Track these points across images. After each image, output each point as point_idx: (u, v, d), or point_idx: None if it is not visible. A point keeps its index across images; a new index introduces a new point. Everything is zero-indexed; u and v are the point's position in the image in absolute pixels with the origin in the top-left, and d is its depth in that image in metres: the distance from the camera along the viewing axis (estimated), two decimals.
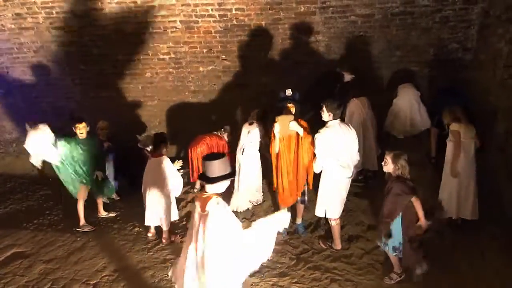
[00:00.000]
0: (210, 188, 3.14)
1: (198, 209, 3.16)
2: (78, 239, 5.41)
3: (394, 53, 6.41)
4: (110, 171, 6.19)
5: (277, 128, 4.67)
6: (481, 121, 5.50)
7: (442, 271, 4.31)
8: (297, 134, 4.67)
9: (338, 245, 4.87)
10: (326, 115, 4.46)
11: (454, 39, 6.14)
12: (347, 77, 5.83)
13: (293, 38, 6.49)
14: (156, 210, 5.15)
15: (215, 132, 6.08)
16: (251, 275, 4.51)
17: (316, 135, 4.46)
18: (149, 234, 5.39)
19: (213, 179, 3.09)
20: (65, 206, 6.36)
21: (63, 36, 6.84)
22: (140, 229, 5.56)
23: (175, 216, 5.25)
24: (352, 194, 5.50)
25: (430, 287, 4.19)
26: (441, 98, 5.60)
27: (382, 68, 6.51)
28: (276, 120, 4.69)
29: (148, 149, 5.79)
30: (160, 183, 5.04)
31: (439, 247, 4.67)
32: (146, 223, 5.30)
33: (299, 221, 5.24)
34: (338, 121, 4.49)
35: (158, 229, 5.35)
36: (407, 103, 5.98)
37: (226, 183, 3.19)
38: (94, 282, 4.59)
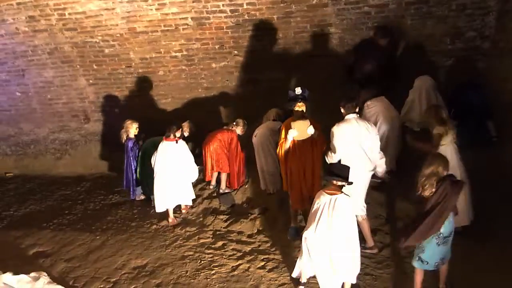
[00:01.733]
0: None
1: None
2: (97, 237, 5.48)
3: (410, 43, 6.27)
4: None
5: (293, 133, 4.59)
6: (499, 111, 5.42)
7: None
8: (311, 137, 4.62)
9: (370, 242, 4.69)
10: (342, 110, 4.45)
11: (471, 27, 5.96)
12: (382, 41, 5.79)
13: (306, 31, 6.41)
14: (174, 192, 5.48)
15: (225, 127, 6.12)
16: (270, 271, 4.54)
17: (333, 128, 4.42)
18: (170, 220, 5.59)
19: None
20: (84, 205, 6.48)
21: (76, 37, 6.90)
22: (158, 226, 5.59)
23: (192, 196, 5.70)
24: (370, 188, 5.43)
25: None
26: (459, 92, 5.47)
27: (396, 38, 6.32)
28: (293, 126, 4.60)
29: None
30: (178, 166, 5.42)
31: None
32: (163, 209, 5.56)
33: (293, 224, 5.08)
34: (355, 115, 4.43)
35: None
36: (424, 94, 5.84)
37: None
38: (114, 279, 4.65)
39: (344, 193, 3.78)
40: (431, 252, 3.75)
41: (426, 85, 5.88)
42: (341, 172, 3.78)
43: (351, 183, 3.81)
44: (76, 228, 5.84)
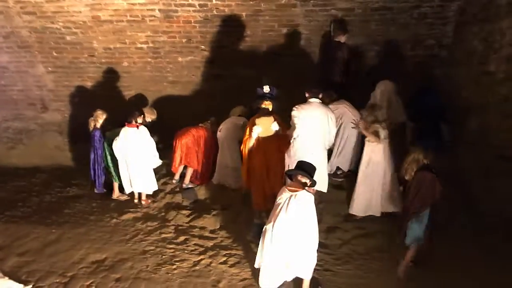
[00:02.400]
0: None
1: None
2: (53, 231, 5.28)
3: (373, 48, 6.49)
4: None
5: (258, 129, 4.67)
6: (453, 117, 5.74)
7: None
8: (276, 136, 4.74)
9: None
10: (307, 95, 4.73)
11: (430, 36, 6.27)
12: (342, 38, 5.98)
13: (274, 30, 6.47)
14: (137, 177, 5.62)
15: (201, 124, 6.10)
16: (231, 266, 4.56)
17: (294, 108, 4.61)
18: (143, 202, 5.79)
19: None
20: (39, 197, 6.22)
21: (35, 21, 6.57)
22: (118, 220, 5.48)
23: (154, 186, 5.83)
24: (330, 186, 5.60)
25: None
26: (417, 95, 5.74)
27: (360, 63, 6.59)
28: (257, 122, 4.67)
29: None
30: (139, 151, 5.57)
31: None
32: (129, 190, 5.77)
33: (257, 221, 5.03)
34: (318, 100, 4.68)
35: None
36: (385, 96, 6.07)
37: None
38: (71, 274, 4.49)
39: (306, 190, 3.86)
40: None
41: (387, 88, 6.11)
42: (308, 169, 3.88)
43: (315, 182, 3.92)
44: (30, 221, 5.61)
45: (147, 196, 5.85)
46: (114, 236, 5.15)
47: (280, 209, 3.81)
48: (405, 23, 6.19)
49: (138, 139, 5.59)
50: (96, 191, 6.19)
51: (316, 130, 4.62)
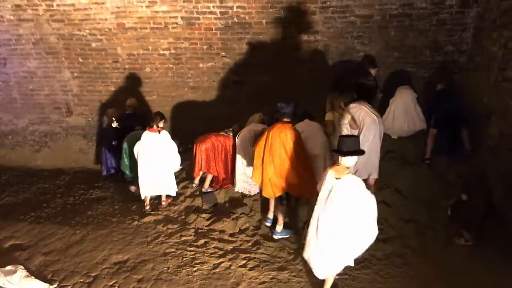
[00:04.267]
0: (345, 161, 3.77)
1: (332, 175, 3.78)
2: (77, 232, 5.42)
3: (392, 54, 6.52)
4: None
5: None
6: (474, 123, 5.70)
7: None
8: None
9: None
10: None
11: (450, 42, 6.27)
12: (373, 71, 5.94)
13: (293, 37, 6.57)
14: (156, 180, 5.68)
15: (222, 133, 6.07)
16: (251, 269, 4.63)
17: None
18: (147, 207, 5.82)
19: (346, 153, 3.75)
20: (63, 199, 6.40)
21: (63, 28, 6.83)
22: (139, 223, 5.59)
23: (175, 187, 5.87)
24: None
25: None
26: (438, 99, 5.72)
27: (379, 69, 6.60)
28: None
29: None
30: (160, 155, 5.61)
31: None
32: (144, 194, 5.77)
33: (270, 215, 5.27)
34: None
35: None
36: (404, 104, 6.06)
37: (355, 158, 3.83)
38: (94, 274, 4.62)
39: (351, 174, 3.77)
40: None
41: (406, 94, 6.14)
42: (351, 147, 3.79)
43: (362, 152, 3.88)
44: (55, 221, 5.77)
45: (167, 197, 5.93)
46: (136, 238, 5.26)
47: (327, 196, 3.79)
48: (424, 29, 6.22)
49: (159, 144, 5.63)
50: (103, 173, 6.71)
51: None
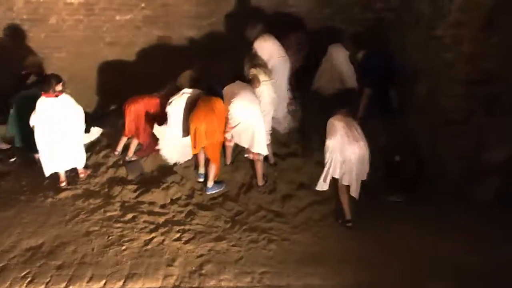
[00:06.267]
0: None
1: None
2: None
3: (323, 11, 6.34)
4: None
5: None
6: (403, 82, 5.81)
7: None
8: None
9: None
10: None
11: None
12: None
13: None
14: (60, 154, 4.96)
15: (155, 93, 5.52)
16: (186, 242, 4.34)
17: None
18: (63, 184, 5.13)
19: None
20: None
21: None
22: (54, 200, 4.94)
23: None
24: (285, 154, 5.52)
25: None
26: (370, 60, 5.69)
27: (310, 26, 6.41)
28: None
29: None
30: (62, 124, 4.86)
31: None
32: (51, 171, 5.04)
33: (202, 170, 5.24)
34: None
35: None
36: (337, 62, 6.01)
37: None
38: (1, 265, 3.98)
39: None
40: None
41: (338, 53, 6.06)
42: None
43: None
44: None
45: (85, 167, 5.31)
46: (51, 217, 4.65)
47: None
48: None
49: (59, 110, 4.83)
50: None
51: None
